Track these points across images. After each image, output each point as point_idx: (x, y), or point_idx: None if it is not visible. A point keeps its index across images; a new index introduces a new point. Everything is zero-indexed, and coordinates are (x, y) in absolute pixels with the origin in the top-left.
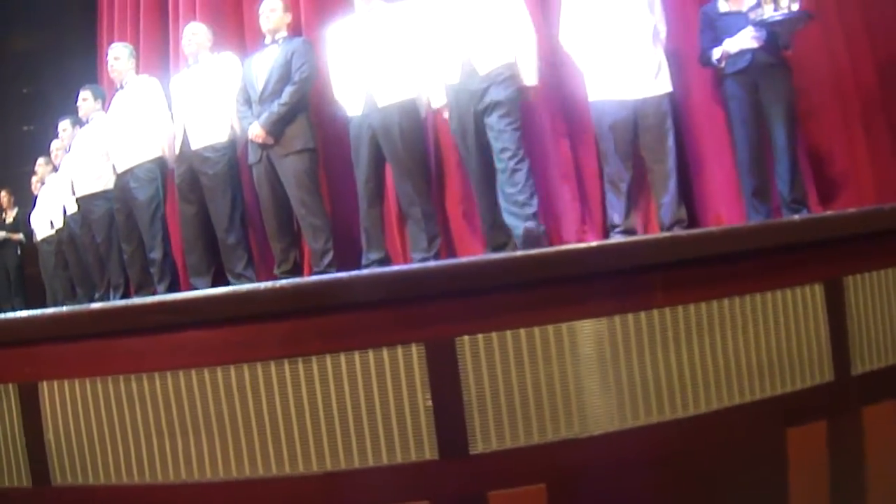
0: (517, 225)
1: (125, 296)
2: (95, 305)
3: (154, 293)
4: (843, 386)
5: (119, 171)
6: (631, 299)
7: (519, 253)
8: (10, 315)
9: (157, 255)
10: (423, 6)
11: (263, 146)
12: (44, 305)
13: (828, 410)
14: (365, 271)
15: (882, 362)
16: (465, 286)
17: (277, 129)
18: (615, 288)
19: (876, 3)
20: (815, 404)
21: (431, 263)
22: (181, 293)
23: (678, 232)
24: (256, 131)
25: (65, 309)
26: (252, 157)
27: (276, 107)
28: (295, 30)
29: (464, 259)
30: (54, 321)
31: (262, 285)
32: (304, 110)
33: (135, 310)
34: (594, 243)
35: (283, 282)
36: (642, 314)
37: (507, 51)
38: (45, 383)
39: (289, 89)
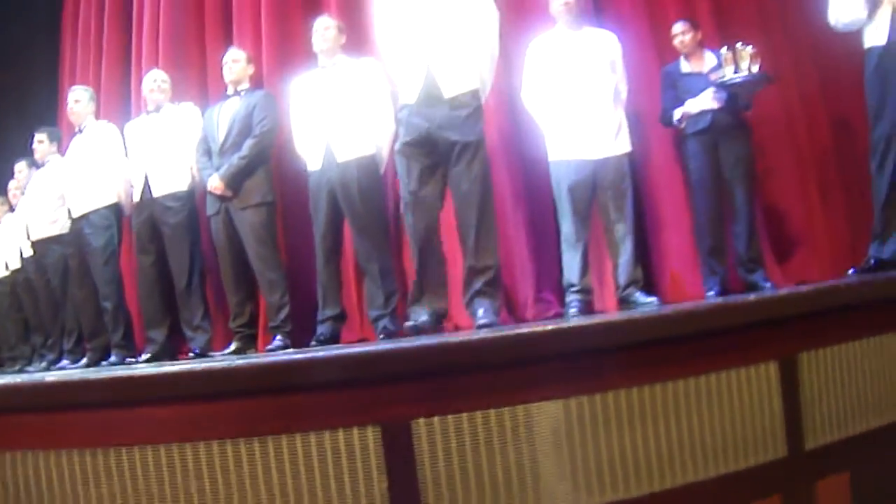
0: None
1: (78, 343)
2: (51, 378)
3: (108, 342)
4: (796, 461)
5: (74, 215)
6: (587, 381)
7: (474, 336)
8: None
9: (109, 303)
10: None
11: (222, 198)
12: None
13: (782, 485)
14: (320, 352)
15: (834, 436)
16: (421, 368)
17: (236, 181)
18: (571, 370)
19: (832, 66)
20: (770, 480)
21: (385, 345)
22: (135, 369)
23: (631, 300)
24: (215, 183)
25: (19, 379)
26: (210, 208)
27: (235, 159)
28: (257, 82)
29: (419, 341)
30: (9, 391)
31: (219, 364)
32: (263, 163)
33: (91, 384)
34: (550, 326)
35: (240, 361)
36: (597, 396)
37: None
38: None
39: (249, 142)
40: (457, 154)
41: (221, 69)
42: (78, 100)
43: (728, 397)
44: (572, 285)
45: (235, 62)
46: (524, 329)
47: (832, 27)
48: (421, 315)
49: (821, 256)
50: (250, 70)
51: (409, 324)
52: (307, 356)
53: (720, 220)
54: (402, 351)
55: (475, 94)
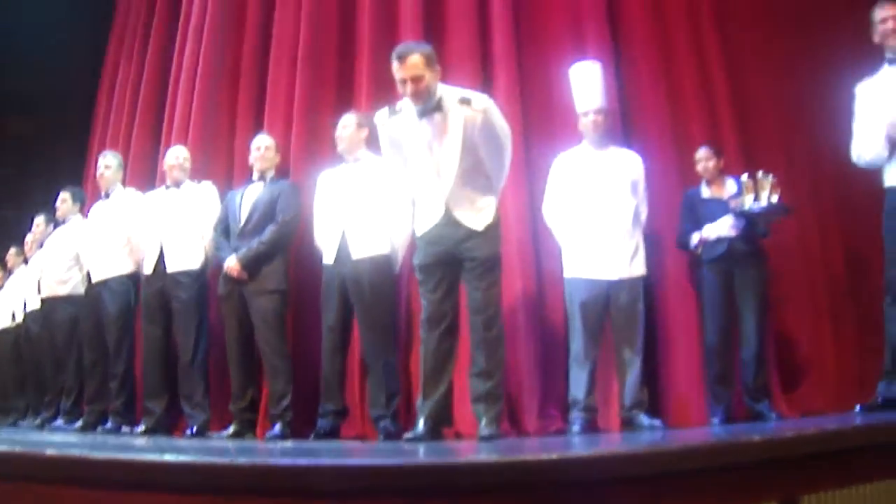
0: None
1: (76, 403)
2: (51, 451)
3: (106, 408)
4: None
5: (94, 280)
6: None
7: (477, 457)
8: None
9: (118, 369)
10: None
11: (236, 281)
12: None
13: None
14: (325, 461)
15: None
16: (419, 485)
17: (253, 266)
18: (569, 501)
19: (851, 199)
20: None
21: (388, 462)
22: (141, 454)
23: (635, 445)
24: (232, 264)
25: (19, 449)
26: (223, 288)
27: (255, 244)
28: (284, 171)
29: (423, 460)
30: (6, 461)
31: (218, 461)
32: (282, 252)
33: (89, 463)
34: (545, 456)
35: (245, 461)
36: None
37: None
38: None
39: (271, 228)
40: (474, 269)
41: (249, 153)
42: (109, 165)
43: None
44: (577, 402)
45: (267, 149)
46: (526, 456)
47: (854, 163)
48: (419, 423)
49: (828, 389)
50: (276, 159)
51: (408, 435)
52: (310, 464)
53: (729, 348)
54: (407, 469)
55: (495, 218)
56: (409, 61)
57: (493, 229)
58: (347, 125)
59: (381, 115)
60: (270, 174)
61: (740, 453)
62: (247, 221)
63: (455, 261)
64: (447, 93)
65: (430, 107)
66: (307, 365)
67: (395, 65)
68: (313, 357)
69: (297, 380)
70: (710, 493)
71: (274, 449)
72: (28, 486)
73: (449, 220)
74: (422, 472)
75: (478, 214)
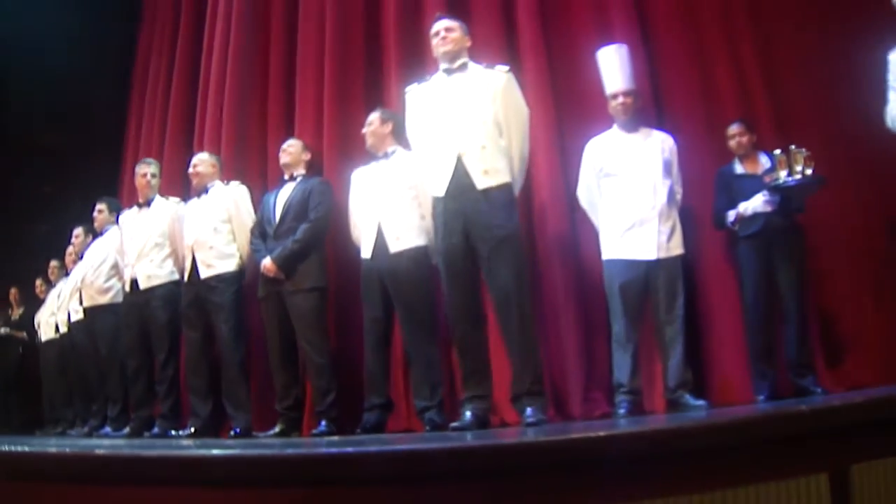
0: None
1: (122, 411)
2: (100, 451)
3: (153, 413)
4: None
5: (142, 287)
6: (630, 490)
7: (527, 438)
8: (12, 449)
9: (168, 372)
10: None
11: (274, 281)
12: (39, 406)
13: None
14: (372, 447)
15: None
16: (475, 468)
17: (289, 265)
18: (613, 477)
19: (889, 169)
20: None
21: (432, 445)
22: (188, 449)
23: (682, 420)
24: (268, 265)
25: (69, 450)
26: (262, 291)
27: (290, 243)
28: (317, 170)
29: (468, 440)
30: (57, 460)
31: (267, 451)
32: (317, 249)
33: (140, 461)
34: (593, 433)
35: (290, 451)
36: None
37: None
38: None
39: (304, 227)
40: (493, 248)
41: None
42: (154, 174)
43: None
44: (621, 385)
45: (291, 147)
46: (572, 434)
47: (890, 129)
48: (465, 415)
49: (873, 362)
50: (306, 156)
51: (454, 424)
52: (357, 451)
53: (771, 324)
54: (455, 450)
55: (509, 188)
56: (444, 20)
57: (508, 201)
58: (372, 121)
59: (412, 87)
60: (301, 172)
61: (788, 425)
62: (281, 222)
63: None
64: (473, 63)
65: (456, 66)
66: (350, 361)
67: (434, 24)
68: (356, 353)
69: (340, 376)
70: (760, 467)
71: (320, 442)
72: (79, 487)
73: (462, 177)
74: (468, 454)
75: (489, 177)
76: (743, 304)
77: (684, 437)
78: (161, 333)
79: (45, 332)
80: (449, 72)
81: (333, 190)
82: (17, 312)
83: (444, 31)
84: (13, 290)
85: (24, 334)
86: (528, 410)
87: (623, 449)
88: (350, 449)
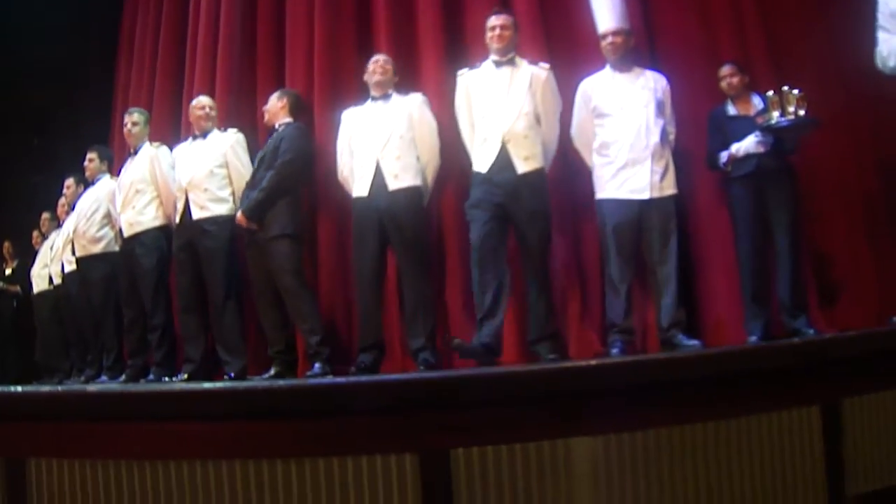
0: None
1: (118, 360)
2: (93, 388)
3: (148, 361)
4: None
5: (126, 235)
6: (627, 418)
7: (518, 368)
8: (6, 389)
9: (157, 322)
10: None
11: (252, 230)
12: (32, 358)
13: None
14: (362, 377)
15: (877, 484)
16: (461, 398)
17: (256, 214)
18: (612, 407)
19: (884, 111)
20: None
21: (428, 374)
22: (179, 384)
23: (674, 341)
24: (238, 217)
25: (61, 388)
26: (246, 237)
27: (256, 192)
28: (308, 114)
29: (462, 371)
30: (51, 400)
31: (261, 385)
32: (285, 195)
33: (133, 396)
34: (593, 362)
35: (282, 383)
36: (638, 434)
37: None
38: (33, 461)
39: (269, 174)
40: (526, 219)
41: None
42: (136, 122)
43: (769, 440)
44: (615, 325)
45: (270, 106)
46: (567, 364)
47: (880, 70)
48: (476, 340)
49: (867, 304)
50: (282, 108)
51: (458, 341)
52: (350, 381)
53: (765, 265)
54: (443, 380)
55: (542, 172)
56: (504, 16)
57: (542, 183)
58: (387, 63)
59: (463, 71)
60: (281, 124)
61: (781, 358)
62: (254, 173)
63: (506, 212)
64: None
65: (506, 60)
66: (341, 304)
67: (491, 18)
68: (347, 295)
69: (333, 320)
70: (753, 399)
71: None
72: (73, 426)
73: (504, 160)
74: (463, 383)
75: (527, 161)
76: (736, 245)
77: (678, 368)
78: (147, 280)
79: (39, 285)
80: (498, 64)
81: (309, 133)
82: (10, 266)
83: (500, 29)
84: (6, 244)
85: (18, 288)
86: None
87: (617, 379)
88: (341, 380)
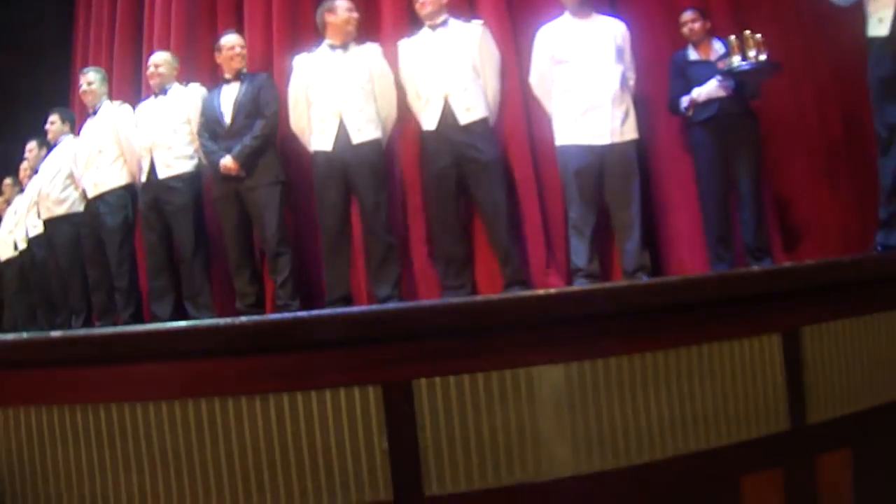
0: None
1: (87, 322)
2: (55, 333)
3: (117, 321)
4: (798, 435)
5: (90, 196)
6: (590, 346)
7: (477, 298)
8: None
9: (123, 282)
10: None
11: (231, 179)
12: (1, 328)
13: (783, 459)
14: (324, 311)
15: (837, 412)
16: (423, 329)
17: (250, 161)
18: (573, 335)
19: (844, 57)
20: (771, 452)
21: (389, 305)
22: (141, 325)
23: (638, 281)
24: (228, 163)
25: (25, 335)
26: (218, 191)
27: (248, 140)
28: (266, 62)
29: (422, 302)
30: (13, 347)
31: (222, 321)
32: (272, 144)
33: (94, 340)
34: (553, 290)
35: (243, 318)
36: (599, 361)
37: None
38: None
39: (260, 123)
40: (477, 169)
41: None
42: (91, 81)
43: (731, 368)
44: (579, 270)
45: (242, 48)
46: (528, 293)
47: (835, 6)
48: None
49: (829, 246)
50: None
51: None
52: (312, 315)
53: (727, 208)
54: (404, 311)
55: (486, 121)
56: None
57: (487, 132)
58: (353, 11)
59: (403, 41)
60: (244, 70)
61: (741, 285)
62: (234, 120)
63: (457, 162)
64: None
65: (439, 23)
66: (307, 257)
67: None
68: (311, 248)
69: (298, 274)
70: (712, 326)
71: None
72: (36, 372)
73: (448, 115)
74: (424, 313)
75: (469, 112)
76: (698, 190)
77: (640, 296)
78: (112, 240)
79: (4, 251)
80: (433, 27)
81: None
82: None
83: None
84: None
85: None
86: None
87: (578, 307)
88: (302, 314)
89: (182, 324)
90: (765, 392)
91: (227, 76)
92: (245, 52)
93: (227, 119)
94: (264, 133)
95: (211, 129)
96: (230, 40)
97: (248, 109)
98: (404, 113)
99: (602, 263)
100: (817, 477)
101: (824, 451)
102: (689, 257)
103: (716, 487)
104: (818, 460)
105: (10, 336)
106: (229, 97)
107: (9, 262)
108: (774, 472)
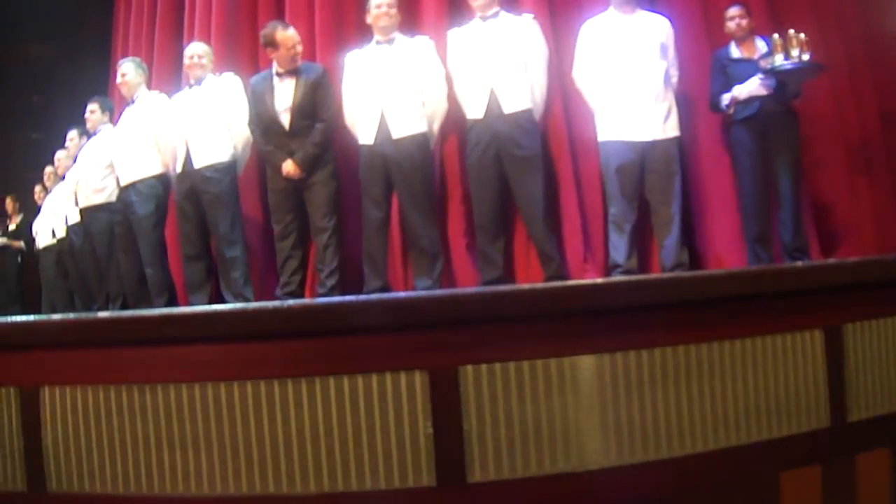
0: None
1: (124, 308)
2: (103, 314)
3: (152, 308)
4: (838, 432)
5: (122, 184)
6: (633, 337)
7: (525, 286)
8: (18, 318)
9: (153, 271)
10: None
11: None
12: (40, 314)
13: (822, 456)
14: (373, 296)
15: (877, 410)
16: (470, 316)
17: (311, 167)
18: (618, 325)
19: (883, 58)
20: (811, 449)
21: (438, 292)
22: (189, 308)
23: (682, 273)
24: (291, 170)
25: (72, 316)
26: (275, 183)
27: (310, 147)
28: (310, 56)
29: (470, 289)
30: (62, 327)
31: (271, 304)
32: (331, 144)
33: (143, 321)
34: (600, 280)
35: (291, 302)
36: (643, 352)
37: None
38: (47, 388)
39: (320, 127)
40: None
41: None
42: (125, 73)
43: (772, 363)
44: (617, 265)
45: (299, 45)
46: (573, 283)
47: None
48: None
49: (867, 248)
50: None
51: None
52: (360, 300)
53: (767, 208)
54: (451, 297)
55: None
56: None
57: (531, 124)
58: (391, 5)
59: (452, 31)
60: (300, 64)
61: (785, 280)
62: (292, 123)
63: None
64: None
65: (490, 15)
66: (349, 246)
67: None
68: (351, 240)
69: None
70: (755, 320)
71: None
72: (84, 353)
73: (494, 105)
74: (471, 300)
75: (515, 102)
76: (738, 188)
77: (684, 288)
78: (142, 228)
79: (43, 239)
80: (484, 18)
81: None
82: (14, 222)
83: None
84: (9, 200)
85: (22, 244)
86: None
87: (623, 298)
88: (350, 299)
89: (230, 306)
90: (806, 388)
91: (280, 70)
92: (301, 48)
93: (285, 120)
94: (324, 138)
95: (264, 125)
96: (290, 38)
97: (307, 111)
98: (453, 105)
99: (640, 260)
100: (856, 476)
101: (863, 450)
102: (727, 256)
103: (756, 483)
104: (857, 459)
105: (57, 317)
106: (285, 95)
107: (47, 248)
108: (813, 470)
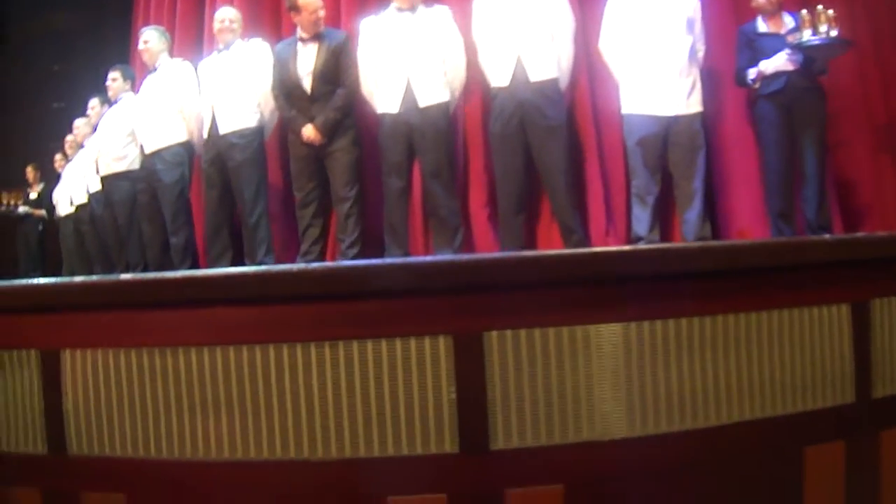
0: None
1: None
2: (126, 276)
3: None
4: (863, 408)
5: (147, 152)
6: (658, 306)
7: (551, 252)
8: (39, 281)
9: (178, 238)
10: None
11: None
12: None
13: (847, 432)
14: (398, 259)
15: None
16: (496, 281)
17: (332, 132)
18: (643, 293)
19: None
20: (835, 425)
21: (463, 256)
22: (213, 269)
23: (710, 242)
24: (310, 134)
25: (95, 278)
26: (298, 151)
27: (331, 111)
28: (334, 22)
29: (496, 254)
30: (83, 289)
31: (295, 267)
32: (353, 109)
33: (165, 283)
34: (626, 247)
35: (316, 265)
36: (670, 322)
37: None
38: (67, 351)
39: (342, 93)
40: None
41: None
42: (147, 40)
43: (798, 336)
44: (640, 238)
45: (322, 9)
46: (599, 249)
47: None
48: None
49: (890, 227)
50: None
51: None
52: (384, 263)
53: (791, 184)
54: (477, 262)
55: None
56: None
57: (556, 94)
58: None
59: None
60: (321, 28)
61: (813, 252)
62: (314, 88)
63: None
64: None
65: None
66: (369, 214)
67: None
68: (371, 209)
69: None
70: (781, 292)
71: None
72: (108, 315)
73: (520, 73)
74: (497, 265)
75: (542, 71)
76: (762, 163)
77: (709, 257)
78: (168, 196)
79: (63, 207)
80: None
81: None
82: (35, 190)
83: None
84: (30, 169)
85: (44, 212)
86: None
87: (647, 266)
88: (374, 262)
89: (255, 268)
90: (831, 363)
91: (303, 35)
92: (324, 13)
93: (307, 85)
94: (346, 103)
95: (287, 90)
96: (313, 2)
97: (329, 76)
98: (473, 74)
99: (662, 233)
100: (880, 452)
101: (888, 426)
102: (750, 231)
103: (777, 456)
104: (881, 436)
105: (79, 279)
106: (307, 60)
107: (68, 216)
108: (837, 445)
